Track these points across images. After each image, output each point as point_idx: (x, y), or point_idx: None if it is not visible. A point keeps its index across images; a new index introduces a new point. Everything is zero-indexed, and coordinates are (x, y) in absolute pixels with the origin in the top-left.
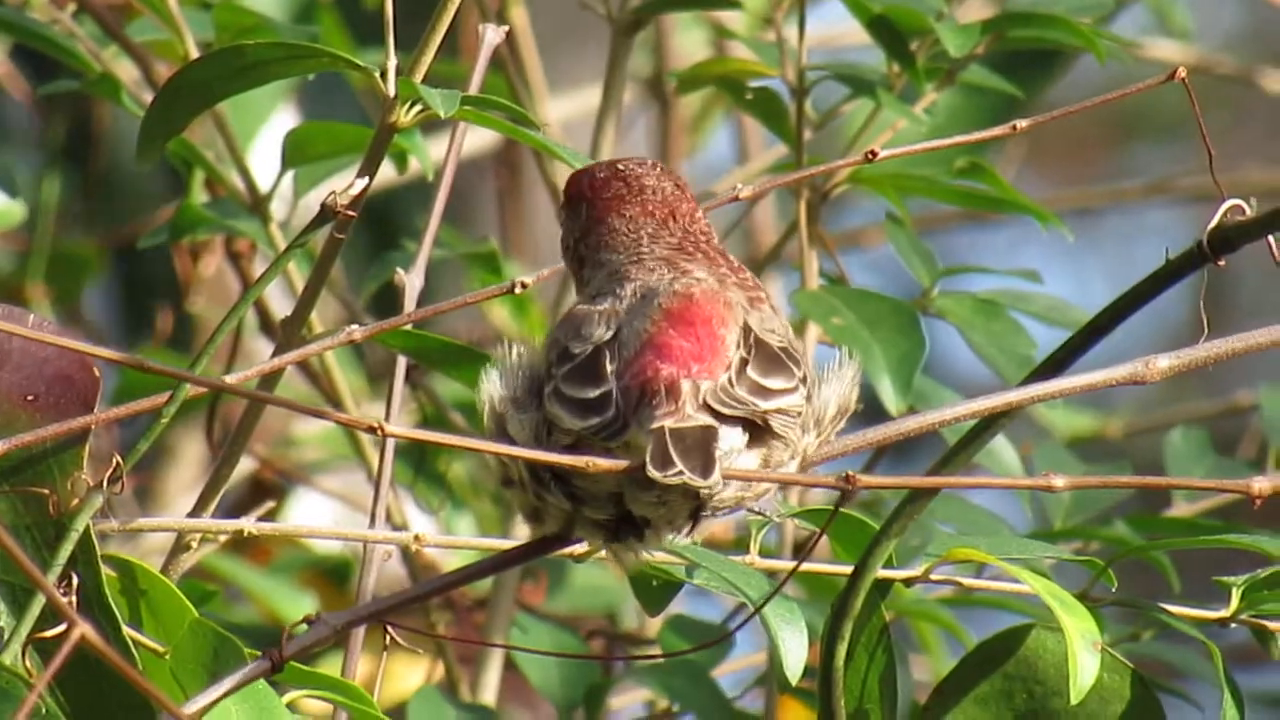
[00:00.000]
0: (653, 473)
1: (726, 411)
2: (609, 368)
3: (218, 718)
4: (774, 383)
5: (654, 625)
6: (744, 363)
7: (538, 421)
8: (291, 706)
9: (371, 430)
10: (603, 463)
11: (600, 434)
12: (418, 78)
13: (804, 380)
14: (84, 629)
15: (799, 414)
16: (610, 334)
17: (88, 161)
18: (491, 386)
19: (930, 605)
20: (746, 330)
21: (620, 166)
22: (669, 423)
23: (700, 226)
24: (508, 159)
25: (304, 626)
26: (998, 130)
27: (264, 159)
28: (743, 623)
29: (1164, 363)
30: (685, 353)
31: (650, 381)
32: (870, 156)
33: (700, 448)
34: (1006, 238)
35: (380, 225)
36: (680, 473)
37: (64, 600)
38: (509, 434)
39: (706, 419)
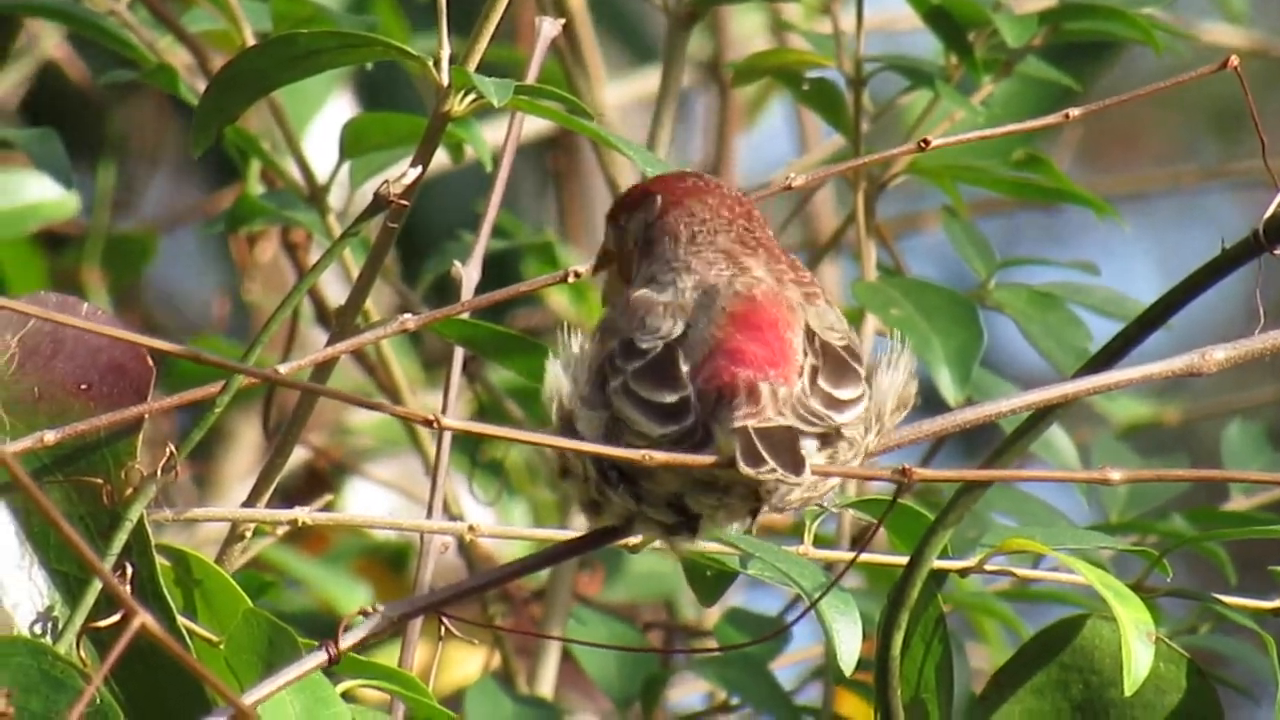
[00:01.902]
0: (745, 469)
1: (805, 429)
2: (683, 369)
3: (273, 708)
4: (845, 393)
5: (711, 617)
6: (814, 371)
7: (607, 420)
8: (347, 695)
9: (428, 423)
10: (688, 458)
11: (680, 442)
12: (472, 66)
13: (867, 380)
14: (145, 618)
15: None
16: (679, 331)
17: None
18: (558, 381)
19: (987, 598)
20: (810, 333)
21: (689, 171)
22: (752, 423)
23: (759, 221)
24: (565, 143)
25: (360, 618)
26: (1051, 118)
27: (319, 148)
28: (799, 616)
29: (1221, 354)
30: (759, 358)
31: (728, 386)
32: (923, 145)
33: (787, 446)
34: (1066, 221)
35: (437, 212)
36: (773, 470)
37: (124, 590)
38: (577, 431)
39: (788, 420)
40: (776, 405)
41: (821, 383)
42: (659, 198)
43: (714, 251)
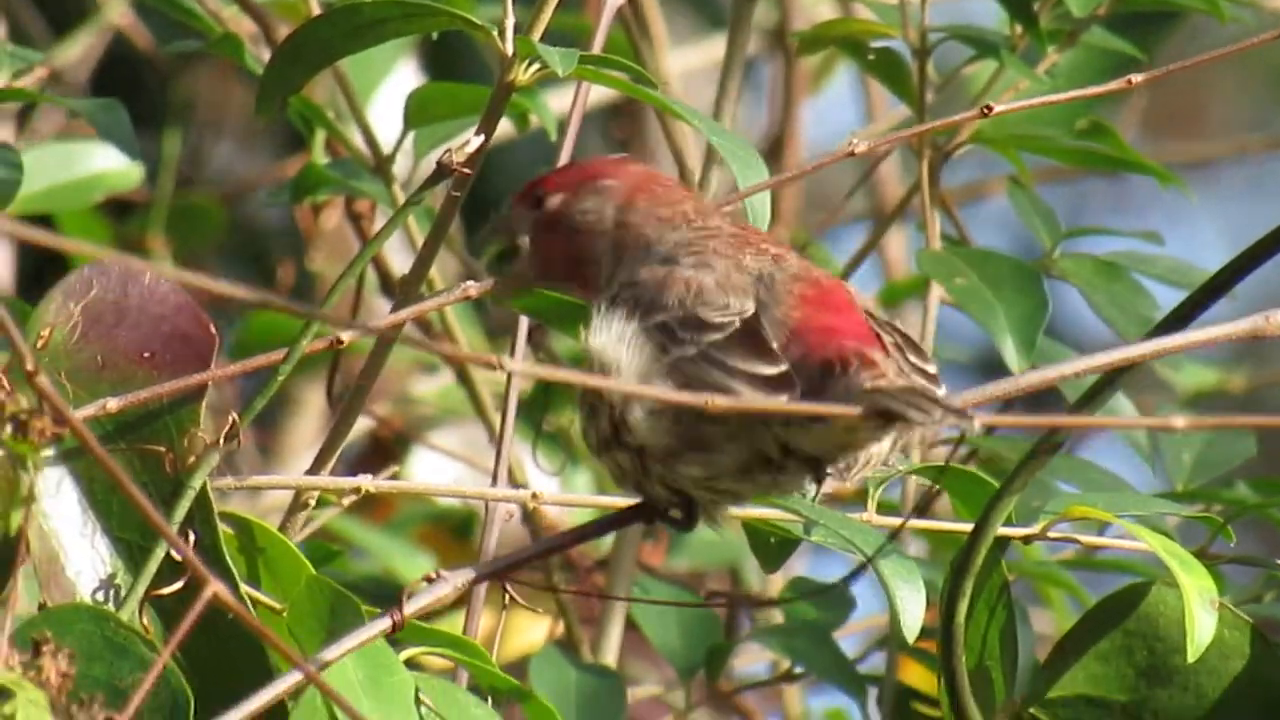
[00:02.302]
0: (915, 415)
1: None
2: (773, 344)
3: (336, 675)
4: (930, 367)
5: (775, 586)
6: (898, 348)
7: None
8: (410, 663)
9: (492, 366)
10: (833, 408)
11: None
12: (536, 35)
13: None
14: (217, 586)
15: None
16: (750, 308)
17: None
18: (617, 353)
19: (1051, 566)
20: (869, 314)
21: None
22: (883, 383)
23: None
24: (629, 109)
25: (424, 584)
26: (1114, 84)
27: (384, 117)
28: (852, 575)
29: None
30: (855, 333)
31: (838, 357)
32: (986, 111)
33: (929, 396)
34: (1132, 191)
35: (504, 181)
36: (944, 413)
37: (195, 558)
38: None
39: (912, 382)
40: (893, 372)
41: (911, 357)
42: (617, 184)
43: (720, 239)
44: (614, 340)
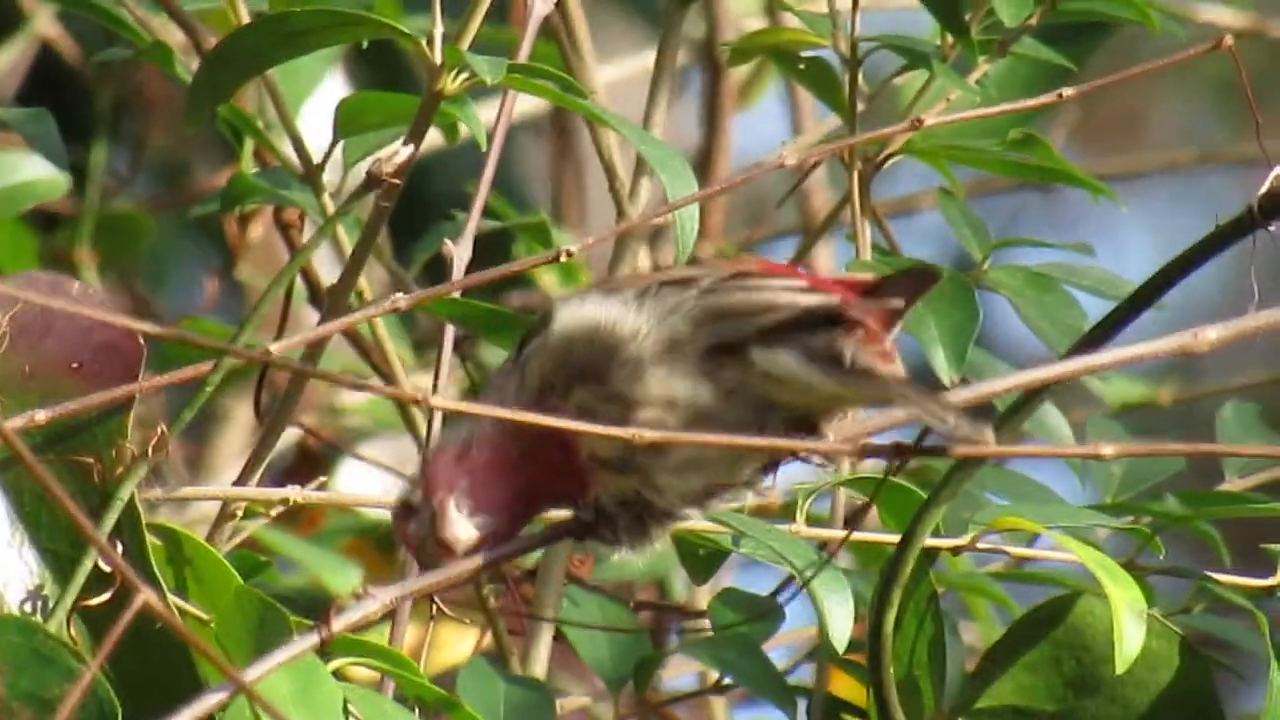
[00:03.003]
0: (937, 424)
1: None
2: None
3: (266, 687)
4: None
5: (704, 598)
6: None
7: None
8: (339, 674)
9: (417, 403)
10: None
11: None
12: (465, 45)
13: None
14: (148, 594)
15: None
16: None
17: (137, 127)
18: (618, 313)
19: (980, 579)
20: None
21: None
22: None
23: None
24: (560, 123)
25: (352, 601)
26: (1045, 98)
27: (314, 127)
28: (792, 595)
29: (1213, 334)
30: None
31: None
32: (917, 124)
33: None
34: (1064, 203)
35: (431, 192)
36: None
37: (125, 565)
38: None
39: None
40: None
41: None
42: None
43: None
44: (609, 304)
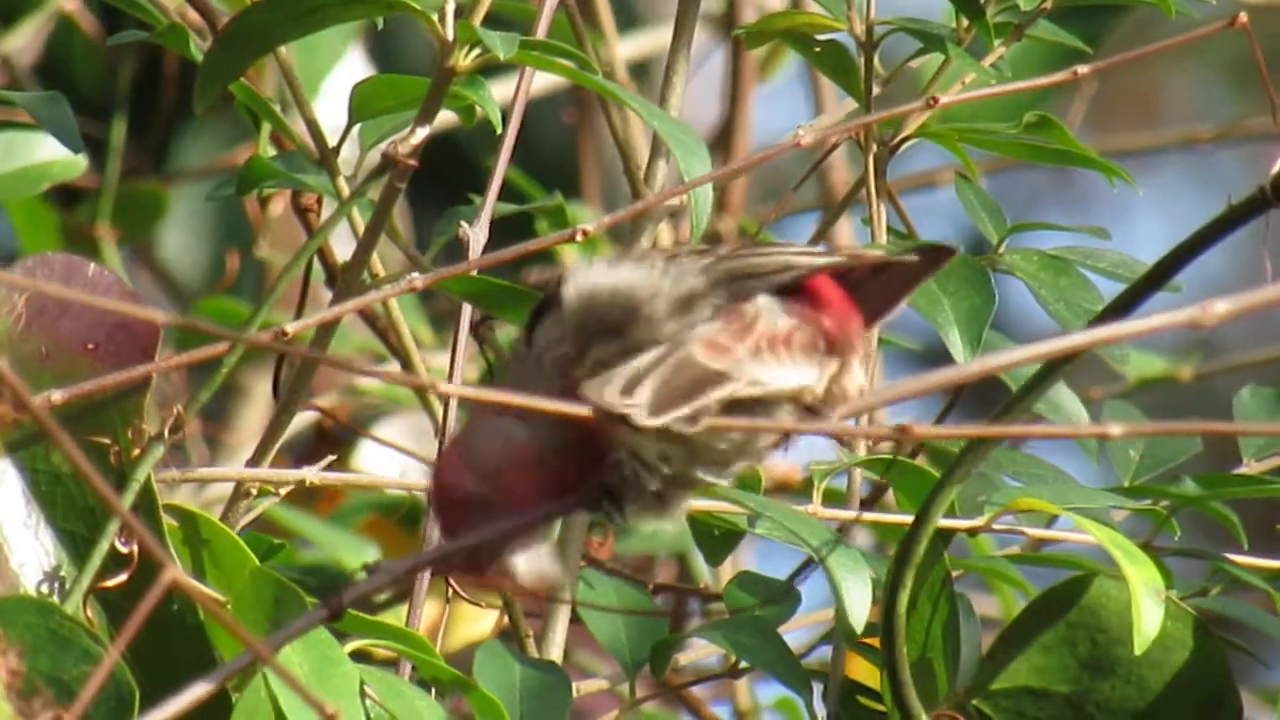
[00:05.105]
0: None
1: None
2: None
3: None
4: None
5: (723, 579)
6: None
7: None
8: (357, 655)
9: (428, 390)
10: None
11: None
12: (477, 19)
13: None
14: (175, 571)
15: None
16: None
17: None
18: (633, 275)
19: (996, 561)
20: None
21: None
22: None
23: None
24: (579, 97)
25: (363, 574)
26: (1059, 75)
27: (331, 110)
28: (806, 575)
29: (1222, 307)
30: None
31: None
32: (931, 103)
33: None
34: (1081, 184)
35: (451, 168)
36: None
37: (152, 541)
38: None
39: None
40: None
41: None
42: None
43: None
44: (629, 268)
